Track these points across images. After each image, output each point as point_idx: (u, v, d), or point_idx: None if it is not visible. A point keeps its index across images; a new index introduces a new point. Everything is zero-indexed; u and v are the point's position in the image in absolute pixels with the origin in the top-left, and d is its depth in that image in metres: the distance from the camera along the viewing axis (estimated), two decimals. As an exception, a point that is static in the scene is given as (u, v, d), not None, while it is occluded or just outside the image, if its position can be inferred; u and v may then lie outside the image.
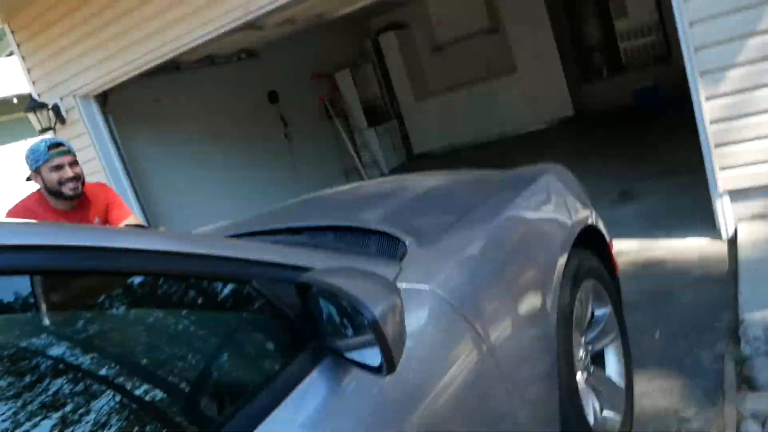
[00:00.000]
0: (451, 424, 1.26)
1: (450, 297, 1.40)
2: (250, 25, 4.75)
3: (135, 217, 3.11)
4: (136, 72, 5.06)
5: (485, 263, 1.61)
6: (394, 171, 9.07)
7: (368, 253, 1.62)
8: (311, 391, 1.04)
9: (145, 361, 1.05)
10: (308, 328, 1.10)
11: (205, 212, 6.25)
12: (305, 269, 1.13)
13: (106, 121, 5.59)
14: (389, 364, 0.95)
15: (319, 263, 1.18)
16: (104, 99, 5.59)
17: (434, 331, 1.33)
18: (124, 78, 5.17)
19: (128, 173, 5.67)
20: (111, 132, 5.61)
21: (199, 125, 6.73)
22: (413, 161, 9.58)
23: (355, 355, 1.05)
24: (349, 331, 1.11)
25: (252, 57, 7.45)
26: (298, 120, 8.17)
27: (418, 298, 1.33)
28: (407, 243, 1.55)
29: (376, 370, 0.99)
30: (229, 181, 6.90)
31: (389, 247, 1.59)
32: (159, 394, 1.01)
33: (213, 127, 6.88)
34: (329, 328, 1.11)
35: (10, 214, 2.84)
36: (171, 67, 5.98)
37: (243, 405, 0.99)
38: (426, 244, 1.57)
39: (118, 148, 5.62)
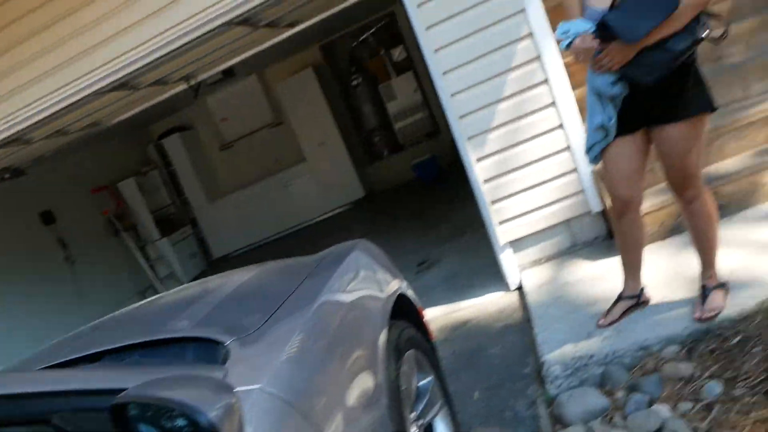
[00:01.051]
0: None
1: (281, 393, 1.33)
2: (14, 140, 4.33)
3: None
4: None
5: (311, 353, 1.56)
6: (195, 280, 8.54)
7: (185, 363, 1.50)
8: None
9: None
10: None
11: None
12: (118, 392, 1.00)
13: None
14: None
15: (132, 382, 1.05)
16: None
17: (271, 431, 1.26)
18: None
19: None
20: None
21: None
22: (214, 266, 9.16)
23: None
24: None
25: (19, 175, 6.69)
26: (82, 240, 7.45)
27: (249, 399, 1.25)
28: (228, 344, 1.47)
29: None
30: (7, 318, 6.00)
31: (209, 352, 1.49)
32: None
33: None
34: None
35: None
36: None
37: None
38: (248, 343, 1.50)
39: None
